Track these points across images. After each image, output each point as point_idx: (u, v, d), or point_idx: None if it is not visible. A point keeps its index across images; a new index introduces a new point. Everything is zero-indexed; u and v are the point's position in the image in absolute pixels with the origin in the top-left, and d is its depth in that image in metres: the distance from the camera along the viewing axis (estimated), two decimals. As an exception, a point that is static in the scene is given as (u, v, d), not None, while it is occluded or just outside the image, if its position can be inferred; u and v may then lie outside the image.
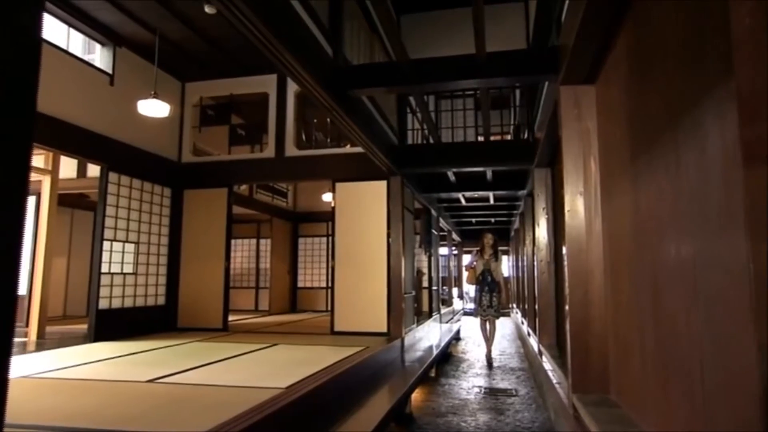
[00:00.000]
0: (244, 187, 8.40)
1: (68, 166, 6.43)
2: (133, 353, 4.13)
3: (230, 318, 7.74)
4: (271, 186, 9.36)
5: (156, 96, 4.27)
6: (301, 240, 10.21)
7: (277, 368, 3.53)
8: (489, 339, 6.39)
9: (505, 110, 8.86)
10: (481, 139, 6.18)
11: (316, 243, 10.06)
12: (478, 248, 6.53)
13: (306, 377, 3.09)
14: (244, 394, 2.65)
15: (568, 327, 2.91)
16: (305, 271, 10.11)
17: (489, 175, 6.54)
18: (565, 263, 2.99)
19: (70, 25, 4.82)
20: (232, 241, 10.23)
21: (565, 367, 3.64)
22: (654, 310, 1.93)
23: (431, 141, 6.07)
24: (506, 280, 7.03)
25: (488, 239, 6.36)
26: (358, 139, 4.27)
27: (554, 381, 3.78)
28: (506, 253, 13.10)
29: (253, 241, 10.23)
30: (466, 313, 13.28)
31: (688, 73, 1.57)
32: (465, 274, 6.92)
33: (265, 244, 9.90)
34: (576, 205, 2.99)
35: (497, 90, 7.28)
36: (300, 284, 10.08)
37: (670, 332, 1.72)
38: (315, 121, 6.90)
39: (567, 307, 2.96)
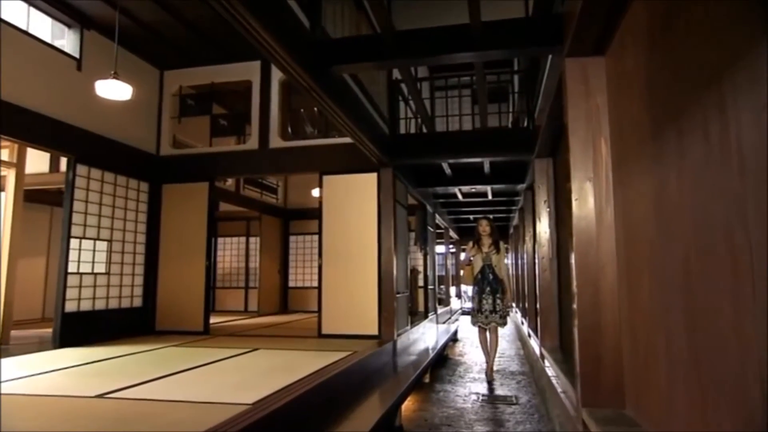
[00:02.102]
0: (230, 183, 8.04)
1: (40, 161, 6.06)
2: (97, 361, 3.77)
3: (216, 320, 7.40)
4: (260, 181, 8.99)
5: (116, 76, 3.89)
6: (292, 238, 9.84)
7: (252, 378, 3.17)
8: (491, 353, 5.12)
9: (503, 104, 8.52)
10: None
11: (308, 241, 9.69)
12: (473, 240, 5.19)
13: (280, 389, 2.73)
14: (204, 412, 2.29)
15: (576, 332, 2.56)
16: (296, 270, 9.74)
17: (486, 167, 6.20)
18: (573, 259, 2.63)
19: (30, 3, 4.43)
20: (221, 240, 9.95)
21: (571, 376, 3.29)
22: (686, 311, 1.58)
23: (425, 131, 5.71)
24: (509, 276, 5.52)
25: (484, 226, 5.07)
26: (343, 126, 3.91)
27: (558, 389, 3.43)
28: (506, 250, 12.72)
29: (242, 239, 9.85)
30: (464, 313, 12.93)
31: (738, 15, 1.22)
32: (462, 274, 5.49)
33: (255, 242, 9.53)
34: (585, 193, 2.64)
35: (495, 77, 6.92)
36: (291, 284, 9.71)
37: (713, 337, 1.38)
38: (302, 110, 6.55)
39: (575, 307, 2.62)
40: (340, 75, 3.64)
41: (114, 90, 3.94)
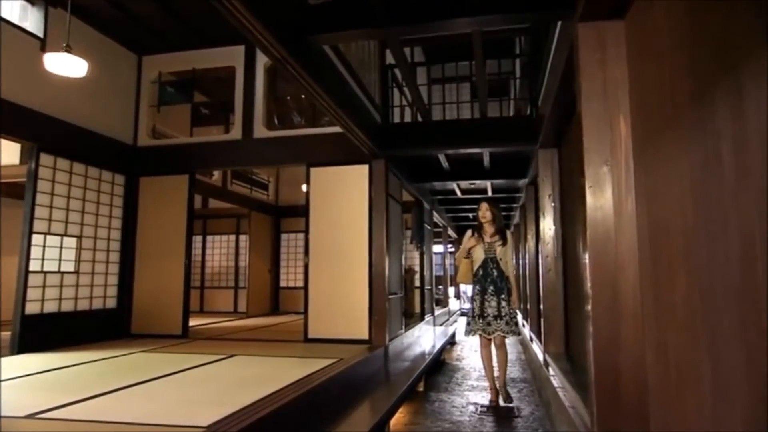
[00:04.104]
0: (216, 177, 7.66)
1: (10, 152, 5.68)
2: (52, 369, 3.39)
3: (201, 321, 7.03)
4: (250, 177, 8.61)
5: (68, 49, 3.49)
6: (283, 236, 9.46)
7: (219, 391, 2.79)
8: (499, 372, 4.07)
9: (504, 98, 8.14)
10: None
11: (300, 239, 9.29)
12: (472, 228, 4.21)
13: (246, 406, 2.35)
14: (147, 437, 1.92)
15: (590, 341, 2.18)
16: (288, 270, 9.36)
17: (486, 160, 5.83)
18: (587, 257, 2.26)
19: (-13, -24, 4.06)
20: (209, 238, 9.57)
21: (580, 389, 2.91)
22: (747, 320, 1.21)
23: (420, 119, 5.32)
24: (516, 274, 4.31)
25: (484, 211, 4.10)
26: (327, 109, 3.53)
27: (566, 403, 3.05)
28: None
29: (232, 237, 9.47)
30: (463, 314, 12.56)
31: None
32: (457, 269, 4.40)
33: (245, 240, 9.15)
34: (601, 180, 2.27)
35: (495, 69, 6.54)
36: (282, 284, 9.32)
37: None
38: (288, 98, 6.17)
39: (588, 309, 2.24)
40: (321, 48, 3.26)
41: (66, 65, 3.53)
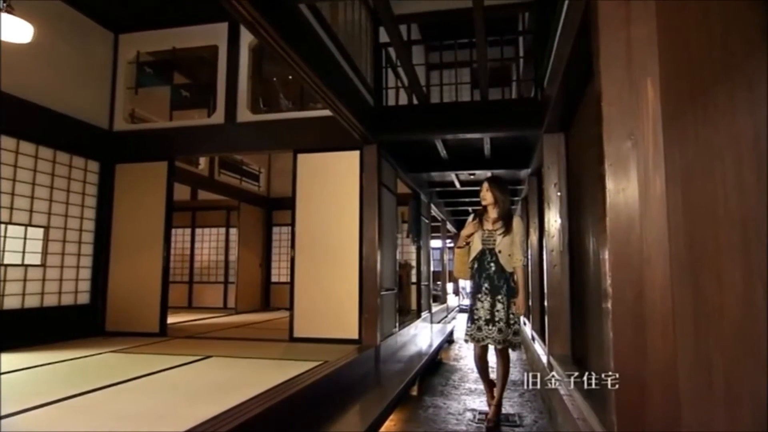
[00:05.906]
0: (203, 167, 7.29)
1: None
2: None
3: (184, 318, 6.69)
4: (239, 166, 8.24)
5: (10, 10, 3.09)
6: (275, 229, 9.10)
7: (179, 401, 2.45)
8: (498, 384, 3.40)
9: (507, 86, 7.78)
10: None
11: (293, 233, 8.96)
12: (475, 213, 3.49)
13: (204, 422, 2.01)
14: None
15: (610, 348, 1.83)
16: (280, 264, 9.01)
17: (487, 149, 5.47)
18: (607, 250, 1.90)
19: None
20: (198, 231, 9.22)
21: (591, 398, 2.58)
22: None
23: (416, 102, 4.96)
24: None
25: (484, 192, 3.39)
26: (312, 85, 3.17)
27: (574, 414, 2.71)
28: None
29: (222, 230, 9.12)
30: (461, 310, 12.24)
31: None
32: (455, 262, 3.61)
33: (236, 233, 8.80)
34: (623, 157, 1.91)
35: (498, 55, 6.18)
36: (274, 279, 8.98)
37: None
38: (275, 80, 5.80)
39: (609, 307, 1.90)
40: (302, 14, 2.90)
41: (5, 28, 3.11)
